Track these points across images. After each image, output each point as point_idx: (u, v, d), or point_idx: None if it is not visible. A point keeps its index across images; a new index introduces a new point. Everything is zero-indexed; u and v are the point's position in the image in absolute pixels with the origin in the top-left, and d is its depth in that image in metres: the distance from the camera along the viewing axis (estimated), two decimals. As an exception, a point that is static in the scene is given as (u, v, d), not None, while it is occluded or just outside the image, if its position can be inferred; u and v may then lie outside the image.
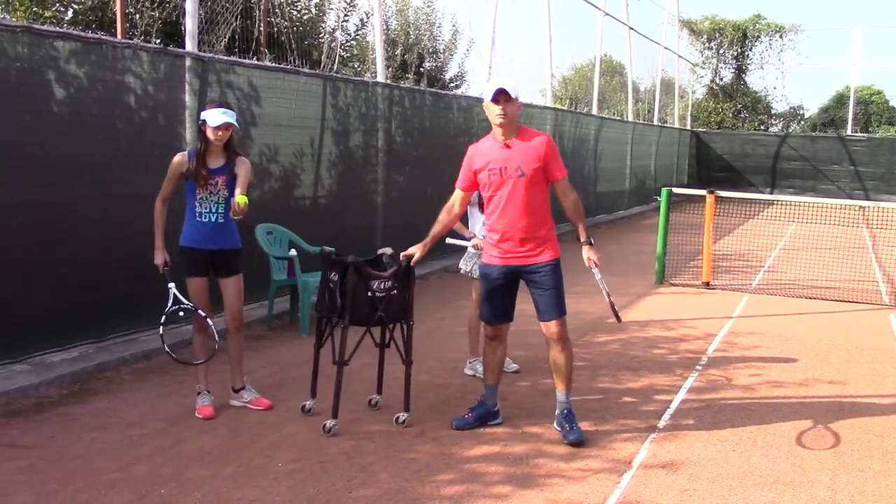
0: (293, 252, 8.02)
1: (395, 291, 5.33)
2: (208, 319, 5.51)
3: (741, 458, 5.07)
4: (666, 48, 27.70)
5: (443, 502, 4.32)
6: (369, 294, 5.21)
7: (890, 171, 27.77)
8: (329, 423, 5.24)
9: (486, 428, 5.42)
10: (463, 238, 6.56)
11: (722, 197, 12.08)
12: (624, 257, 13.65)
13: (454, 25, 17.13)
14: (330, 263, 5.32)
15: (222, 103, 5.65)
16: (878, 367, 7.34)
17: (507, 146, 5.12)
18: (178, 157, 5.54)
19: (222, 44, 9.41)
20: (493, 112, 5.08)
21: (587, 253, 5.23)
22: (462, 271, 6.68)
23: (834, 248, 14.16)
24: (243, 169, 5.56)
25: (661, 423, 5.65)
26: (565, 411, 5.29)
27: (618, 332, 8.14)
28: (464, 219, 6.49)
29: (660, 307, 9.69)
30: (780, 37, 35.23)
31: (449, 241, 6.51)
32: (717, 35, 35.32)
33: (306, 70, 9.67)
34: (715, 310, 9.71)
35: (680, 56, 30.79)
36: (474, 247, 6.40)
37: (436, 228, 5.47)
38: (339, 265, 5.21)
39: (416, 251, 5.34)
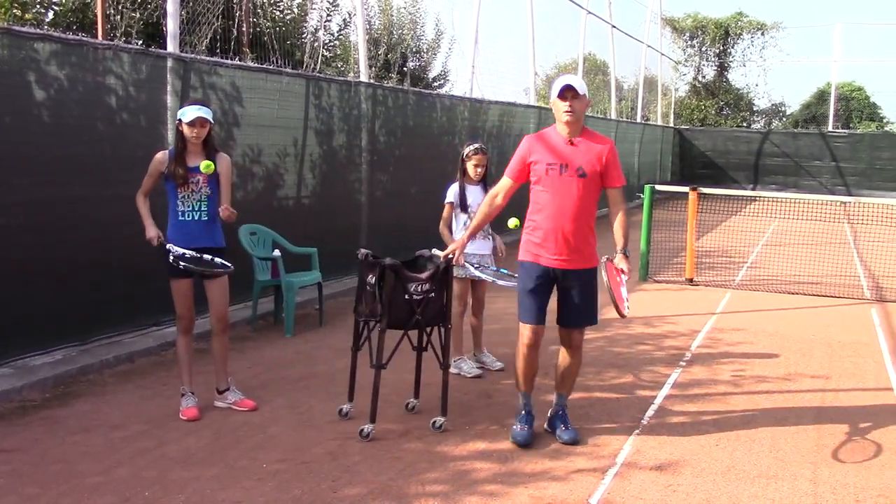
0: (277, 252, 8.01)
1: (433, 294, 5.25)
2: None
3: (724, 452, 5.10)
4: (649, 46, 27.80)
5: (428, 500, 4.33)
6: (406, 297, 5.13)
7: (871, 167, 27.97)
8: (367, 427, 5.16)
9: (475, 426, 5.43)
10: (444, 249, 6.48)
11: (705, 194, 12.14)
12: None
13: (437, 25, 17.15)
14: (367, 265, 5.22)
15: (198, 101, 5.65)
16: (860, 361, 7.40)
17: (573, 143, 4.96)
18: (159, 155, 5.54)
19: (203, 44, 9.37)
20: (560, 109, 4.92)
21: (621, 263, 5.02)
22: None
23: (816, 243, 14.25)
24: (224, 166, 5.59)
25: (645, 420, 5.67)
26: (560, 412, 5.29)
27: (601, 330, 8.17)
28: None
29: (643, 304, 9.73)
30: (762, 34, 35.43)
31: (429, 251, 6.47)
32: (699, 33, 35.48)
33: (289, 70, 9.65)
34: (698, 306, 9.77)
35: (662, 54, 30.90)
36: (444, 258, 6.29)
37: (476, 220, 5.39)
38: (376, 267, 5.12)
39: (454, 249, 5.26)
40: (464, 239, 5.36)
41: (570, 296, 5.04)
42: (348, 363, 5.61)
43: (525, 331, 5.12)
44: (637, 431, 5.44)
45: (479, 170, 6.59)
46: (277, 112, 9.05)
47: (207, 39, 9.40)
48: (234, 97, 8.32)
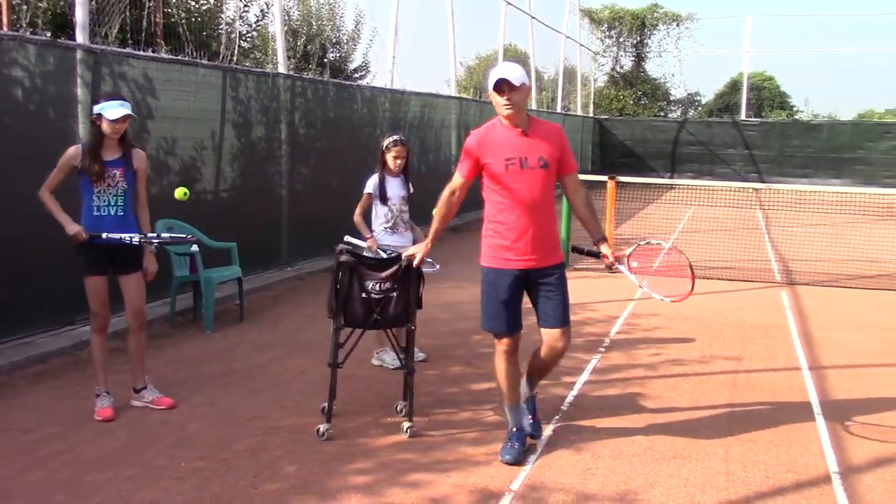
0: (195, 248, 7.86)
1: (395, 293, 5.04)
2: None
3: (642, 435, 5.22)
4: (568, 37, 28.13)
5: (351, 493, 4.32)
6: (363, 295, 4.97)
7: (781, 154, 28.87)
8: (322, 427, 5.06)
9: (395, 418, 5.43)
10: (360, 237, 6.48)
11: (623, 182, 12.35)
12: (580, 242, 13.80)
13: (357, 15, 17.04)
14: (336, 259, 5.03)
15: (116, 95, 5.50)
16: (770, 343, 7.65)
17: (527, 135, 4.68)
18: (71, 150, 5.37)
19: (114, 35, 9.13)
20: (499, 103, 4.61)
21: (606, 250, 4.84)
22: None
23: (730, 229, 14.66)
24: (141, 162, 5.51)
25: (565, 406, 5.77)
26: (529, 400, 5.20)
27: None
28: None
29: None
30: (677, 25, 36.20)
31: (347, 238, 6.45)
32: (616, 24, 36.06)
33: (205, 62, 9.47)
34: (617, 293, 9.95)
35: (581, 45, 31.32)
36: (368, 248, 6.30)
37: (435, 223, 5.03)
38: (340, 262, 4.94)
39: (417, 251, 4.99)
40: (428, 241, 5.04)
41: (548, 295, 4.76)
42: (269, 358, 5.56)
43: (502, 344, 4.86)
44: (557, 417, 5.53)
45: (398, 161, 6.58)
46: (193, 104, 8.87)
47: (116, 30, 9.16)
48: (148, 89, 8.13)
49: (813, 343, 7.66)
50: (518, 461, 4.75)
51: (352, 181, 12.11)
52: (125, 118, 5.29)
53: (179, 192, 5.28)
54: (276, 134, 10.53)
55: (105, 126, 5.27)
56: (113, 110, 5.24)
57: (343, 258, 4.93)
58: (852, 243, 13.17)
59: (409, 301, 5.10)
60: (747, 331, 8.12)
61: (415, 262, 4.98)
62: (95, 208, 5.34)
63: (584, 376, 6.47)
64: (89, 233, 5.25)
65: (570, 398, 5.94)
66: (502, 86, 4.57)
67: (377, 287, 4.99)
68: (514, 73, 4.58)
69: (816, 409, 5.78)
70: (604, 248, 4.83)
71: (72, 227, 5.26)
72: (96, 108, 5.31)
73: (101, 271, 5.37)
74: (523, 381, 5.15)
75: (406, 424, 5.18)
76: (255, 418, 5.41)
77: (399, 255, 5.16)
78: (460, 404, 5.51)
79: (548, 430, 5.28)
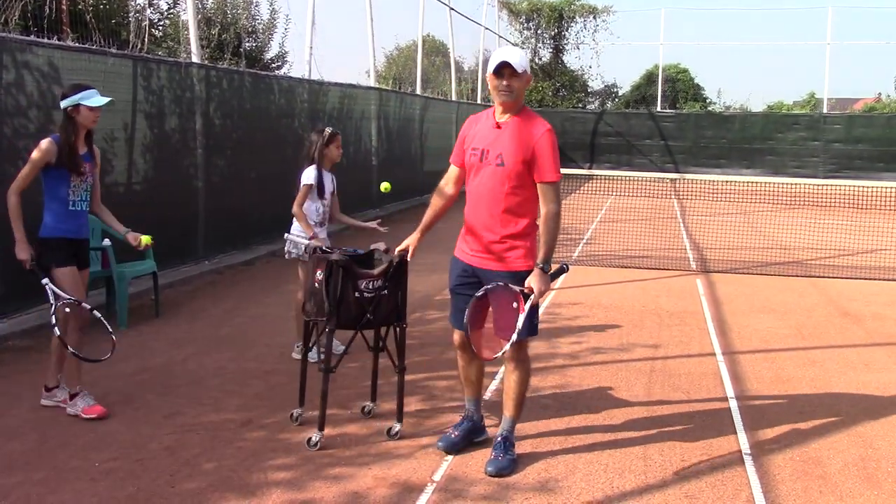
0: (107, 242, 7.63)
1: (386, 291, 4.84)
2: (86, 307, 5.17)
3: (562, 422, 5.28)
4: (486, 28, 28.25)
5: (271, 488, 4.26)
6: (357, 294, 4.76)
7: (696, 145, 29.56)
8: (315, 436, 4.83)
9: (316, 412, 5.36)
10: (303, 235, 6.32)
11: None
12: (451, 234, 13.85)
13: (272, 4, 16.79)
14: (316, 261, 4.87)
15: (87, 85, 5.30)
16: (686, 329, 7.83)
17: (499, 127, 4.42)
18: (45, 144, 5.10)
19: (14, 22, 8.78)
20: (497, 87, 4.34)
21: (531, 281, 4.28)
22: (290, 255, 6.54)
23: (647, 218, 14.97)
24: (99, 159, 5.46)
25: (487, 395, 5.79)
26: (500, 437, 4.68)
27: (446, 309, 8.27)
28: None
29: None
30: (594, 17, 36.70)
31: (288, 236, 6.34)
32: (534, 16, 36.36)
33: (113, 50, 9.18)
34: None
35: (500, 36, 31.50)
36: (313, 250, 6.17)
37: (428, 215, 4.78)
38: (324, 263, 4.74)
39: (409, 245, 4.77)
40: (418, 234, 4.79)
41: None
42: (186, 354, 5.43)
43: (454, 335, 4.79)
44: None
45: (341, 152, 6.55)
46: (102, 94, 8.57)
47: (16, 16, 8.81)
48: (53, 78, 7.83)
49: (726, 329, 7.87)
50: (451, 450, 4.74)
51: (270, 173, 11.96)
52: (104, 107, 5.18)
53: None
54: (191, 125, 10.29)
55: (85, 116, 5.12)
56: (95, 98, 5.11)
57: (334, 257, 4.71)
58: (763, 231, 13.59)
59: (400, 298, 4.94)
60: (664, 318, 8.29)
61: (409, 256, 4.80)
62: (71, 203, 5.17)
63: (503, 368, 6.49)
64: (33, 265, 5.07)
65: (491, 387, 5.96)
66: (503, 69, 4.31)
67: (370, 286, 4.78)
68: (517, 58, 4.31)
69: (730, 392, 5.94)
70: (528, 280, 4.30)
71: (21, 251, 5.05)
72: (71, 100, 5.13)
73: (73, 262, 5.20)
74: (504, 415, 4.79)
75: (396, 427, 5.00)
76: (171, 416, 5.28)
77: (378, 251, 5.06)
78: (382, 396, 5.48)
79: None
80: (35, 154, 5.10)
